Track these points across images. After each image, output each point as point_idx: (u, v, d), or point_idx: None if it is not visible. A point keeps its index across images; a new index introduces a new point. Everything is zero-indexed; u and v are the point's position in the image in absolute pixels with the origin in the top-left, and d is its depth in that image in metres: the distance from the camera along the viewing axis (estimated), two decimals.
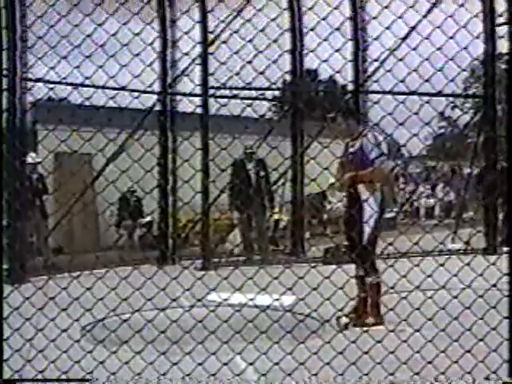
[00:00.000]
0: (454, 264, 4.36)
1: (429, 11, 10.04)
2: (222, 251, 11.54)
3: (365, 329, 4.95)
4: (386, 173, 6.15)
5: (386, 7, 4.14)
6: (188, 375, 4.12)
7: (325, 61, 4.35)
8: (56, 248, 12.15)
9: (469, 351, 4.04)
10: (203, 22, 10.58)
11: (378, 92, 9.99)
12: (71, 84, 5.63)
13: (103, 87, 4.75)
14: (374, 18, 4.40)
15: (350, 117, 6.34)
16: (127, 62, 4.39)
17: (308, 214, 13.59)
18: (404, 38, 8.30)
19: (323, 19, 4.19)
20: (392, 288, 4.42)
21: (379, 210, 6.12)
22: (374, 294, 6.08)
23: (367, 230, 6.06)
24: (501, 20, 10.74)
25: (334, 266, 4.61)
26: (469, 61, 5.69)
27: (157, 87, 10.87)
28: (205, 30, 10.67)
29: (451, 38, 4.26)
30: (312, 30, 4.32)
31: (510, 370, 3.76)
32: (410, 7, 4.31)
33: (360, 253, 5.99)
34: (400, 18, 4.26)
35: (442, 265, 4.29)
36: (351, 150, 6.24)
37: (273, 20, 4.52)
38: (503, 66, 10.90)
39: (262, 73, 4.41)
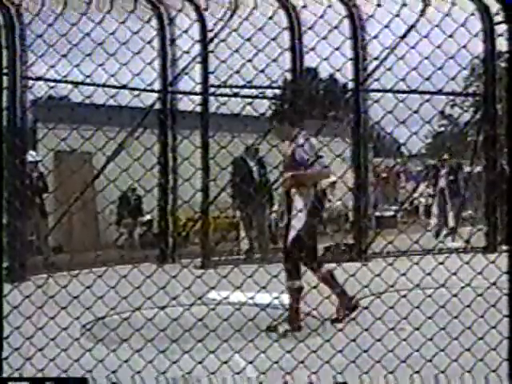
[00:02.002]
0: (453, 262, 4.37)
1: (423, 9, 10.03)
2: (223, 249, 11.53)
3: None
4: (322, 175, 6.04)
5: (379, 5, 4.14)
6: (188, 373, 4.12)
7: (325, 59, 4.34)
8: (56, 246, 12.15)
9: (468, 350, 4.05)
10: (200, 20, 10.57)
11: (378, 90, 9.99)
12: (71, 82, 5.62)
13: (103, 85, 4.74)
14: (371, 16, 4.39)
15: (285, 120, 6.20)
16: (127, 61, 4.39)
17: None
18: (403, 37, 8.28)
19: (321, 17, 4.19)
20: (392, 286, 4.42)
21: (309, 213, 5.96)
22: (293, 300, 5.89)
23: (292, 233, 5.95)
24: (498, 18, 10.72)
25: (333, 265, 4.61)
26: (469, 59, 5.68)
27: (157, 85, 10.87)
28: (203, 29, 10.66)
29: (451, 36, 4.25)
30: (310, 28, 4.31)
31: (510, 369, 3.76)
32: (404, 5, 4.30)
33: (284, 256, 5.96)
34: (397, 16, 4.25)
35: (441, 263, 4.29)
36: (287, 153, 6.14)
37: (270, 18, 4.52)
38: (503, 65, 10.89)
39: (262, 71, 4.41)
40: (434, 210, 14.68)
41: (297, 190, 6.00)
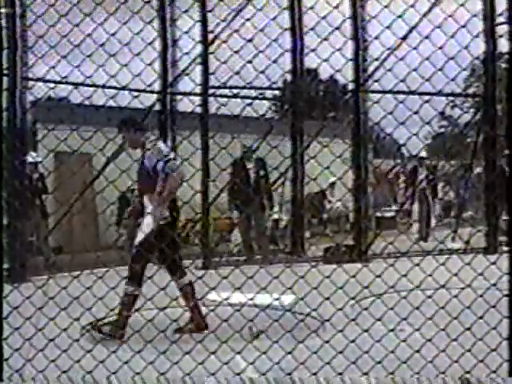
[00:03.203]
0: (454, 263, 4.37)
1: (429, 10, 10.03)
2: (223, 250, 11.55)
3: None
4: (176, 183, 5.89)
5: (386, 6, 4.14)
6: (188, 374, 4.12)
7: (325, 60, 4.34)
8: (56, 247, 12.15)
9: (469, 350, 4.05)
10: (203, 21, 10.58)
11: (378, 91, 9.97)
12: (71, 83, 5.63)
13: (103, 86, 4.75)
14: (374, 17, 4.39)
15: (131, 127, 6.09)
16: (127, 62, 4.39)
17: (308, 213, 13.59)
18: (404, 38, 8.28)
19: (323, 18, 4.19)
20: (392, 287, 4.42)
21: (161, 223, 5.85)
22: (125, 305, 5.71)
23: (139, 238, 5.89)
24: (501, 19, 10.73)
25: (333, 266, 4.61)
26: (469, 60, 5.68)
27: (157, 86, 10.87)
28: (205, 30, 10.67)
29: (452, 37, 4.26)
30: (312, 29, 4.31)
31: (510, 370, 3.76)
32: (411, 6, 4.30)
33: (130, 262, 5.87)
34: (400, 17, 4.25)
35: (442, 264, 4.29)
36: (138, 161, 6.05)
37: (273, 19, 4.52)
38: (503, 65, 10.89)
39: (262, 72, 4.41)
40: (416, 211, 14.40)
41: (149, 199, 5.95)
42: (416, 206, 14.31)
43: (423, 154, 14.32)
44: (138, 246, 5.86)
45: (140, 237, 5.89)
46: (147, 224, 5.89)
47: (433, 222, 14.27)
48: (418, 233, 14.04)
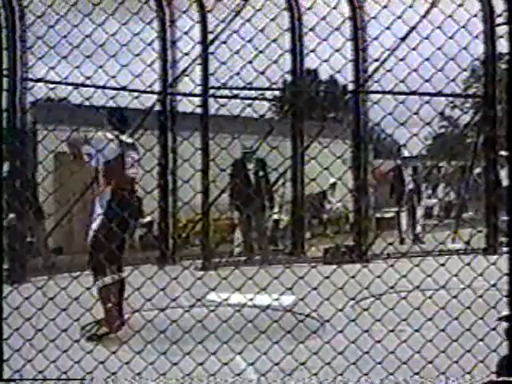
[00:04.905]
0: (454, 264, 4.36)
1: (428, 11, 10.03)
2: (223, 251, 11.54)
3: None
4: (112, 174, 6.02)
5: (386, 7, 4.14)
6: (188, 375, 4.12)
7: (325, 61, 4.34)
8: (56, 248, 12.14)
9: (469, 351, 4.05)
10: (203, 21, 10.58)
11: (378, 92, 9.98)
12: (71, 84, 5.63)
13: (103, 87, 4.74)
14: (373, 17, 4.39)
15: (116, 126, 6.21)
16: (127, 62, 4.39)
17: (308, 214, 13.58)
18: (404, 38, 8.29)
19: (322, 19, 4.19)
20: (392, 288, 4.42)
21: (107, 212, 5.94)
22: (107, 298, 5.80)
23: (90, 232, 5.94)
24: (500, 20, 10.73)
25: (334, 266, 4.61)
26: (469, 61, 5.68)
27: (157, 87, 10.88)
28: (205, 30, 10.67)
29: (451, 37, 4.26)
30: (311, 29, 4.31)
31: (510, 370, 3.76)
32: (410, 7, 4.31)
33: (89, 255, 5.91)
34: (400, 17, 4.25)
35: (442, 265, 4.29)
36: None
37: (272, 20, 4.52)
38: (503, 66, 10.90)
39: (262, 73, 4.41)
40: (404, 213, 14.21)
41: (96, 189, 6.07)
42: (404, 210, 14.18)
43: (405, 153, 14.04)
44: (91, 244, 5.90)
45: (90, 233, 5.95)
46: (95, 218, 5.95)
47: (418, 227, 14.08)
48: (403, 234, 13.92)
